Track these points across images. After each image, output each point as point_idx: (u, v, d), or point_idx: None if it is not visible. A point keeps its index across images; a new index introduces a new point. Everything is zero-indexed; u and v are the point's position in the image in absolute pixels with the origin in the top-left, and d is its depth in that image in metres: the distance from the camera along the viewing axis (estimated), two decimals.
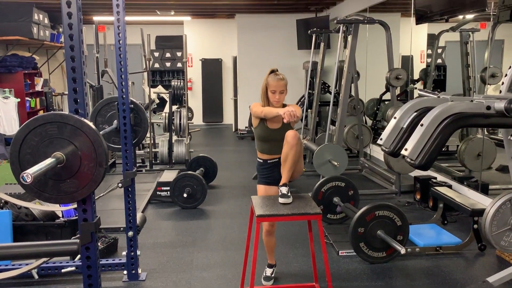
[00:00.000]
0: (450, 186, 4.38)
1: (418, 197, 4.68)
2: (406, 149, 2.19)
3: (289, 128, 2.81)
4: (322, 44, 5.61)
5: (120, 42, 2.82)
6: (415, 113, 2.18)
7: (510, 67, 2.54)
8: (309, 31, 5.56)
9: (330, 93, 8.08)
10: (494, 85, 5.00)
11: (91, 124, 1.54)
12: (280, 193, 2.66)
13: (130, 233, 2.97)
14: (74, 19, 1.55)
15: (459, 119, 2.16)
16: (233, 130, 9.83)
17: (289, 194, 2.65)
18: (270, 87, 2.80)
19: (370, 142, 6.28)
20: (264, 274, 3.05)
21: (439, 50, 9.36)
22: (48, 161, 1.46)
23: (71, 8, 1.54)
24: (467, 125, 2.85)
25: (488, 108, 2.24)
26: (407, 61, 9.43)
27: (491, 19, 5.38)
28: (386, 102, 7.60)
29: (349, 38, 4.68)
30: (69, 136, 1.51)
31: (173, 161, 6.20)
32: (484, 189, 4.35)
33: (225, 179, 5.69)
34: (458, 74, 7.78)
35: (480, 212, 3.41)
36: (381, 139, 2.22)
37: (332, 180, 4.01)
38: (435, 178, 4.64)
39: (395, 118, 2.17)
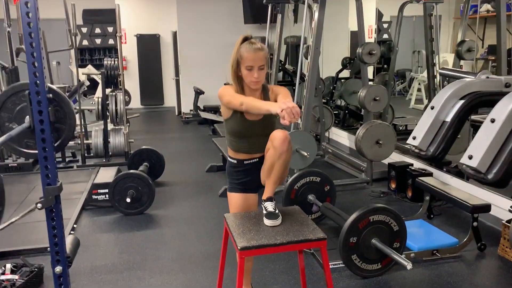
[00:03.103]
0: (431, 174, 3.94)
1: (393, 186, 4.22)
2: (470, 157, 1.57)
3: (273, 119, 2.14)
4: (279, 17, 4.93)
5: (28, 5, 1.98)
6: (462, 101, 1.56)
7: None
8: (264, 1, 4.85)
9: (285, 71, 7.50)
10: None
11: None
12: (265, 211, 2.00)
13: (58, 269, 2.18)
14: None
15: None
16: (176, 113, 8.97)
17: (276, 211, 1.99)
18: (244, 61, 2.04)
19: (331, 125, 5.75)
20: None
21: (385, 25, 9.00)
22: None
23: None
24: None
25: None
26: (356, 36, 9.03)
27: None
28: (343, 80, 7.15)
29: (315, 8, 4.04)
30: None
31: (110, 153, 5.33)
32: (463, 175, 3.96)
33: (174, 174, 4.92)
34: (404, 50, 7.41)
35: (482, 208, 2.96)
36: (413, 138, 1.59)
37: (306, 176, 3.41)
38: (412, 164, 4.19)
39: (432, 108, 1.55)
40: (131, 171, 3.88)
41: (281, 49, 5.91)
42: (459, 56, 4.35)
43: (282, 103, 1.82)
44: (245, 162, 2.21)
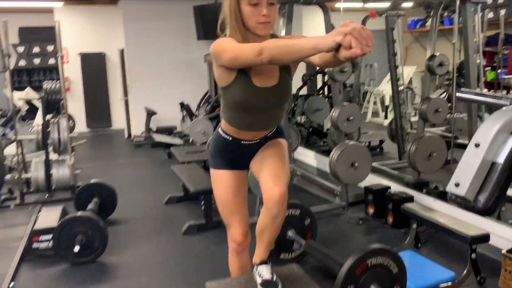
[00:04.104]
0: (412, 198, 3.68)
1: (371, 211, 3.92)
2: (457, 185, 1.28)
3: (289, 83, 1.70)
4: None
5: None
6: None
7: None
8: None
9: None
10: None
11: None
12: (259, 279, 1.59)
13: None
14: None
15: None
16: (126, 136, 8.36)
17: (275, 278, 1.59)
18: None
19: (298, 144, 5.43)
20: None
21: None
22: None
23: None
24: None
25: None
26: None
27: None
28: (303, 98, 6.88)
29: (281, 22, 3.72)
30: None
31: (54, 188, 4.71)
32: (446, 197, 3.74)
33: (128, 208, 4.38)
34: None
35: (481, 238, 2.70)
36: (456, 186, 1.25)
37: (288, 208, 3.02)
38: (389, 187, 3.92)
39: (477, 146, 1.22)
40: (79, 213, 3.33)
41: None
42: (430, 71, 4.16)
43: (340, 27, 1.20)
44: (243, 142, 1.78)
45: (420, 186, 3.98)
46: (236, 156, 1.85)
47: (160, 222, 4.03)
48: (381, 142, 6.38)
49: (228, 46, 1.55)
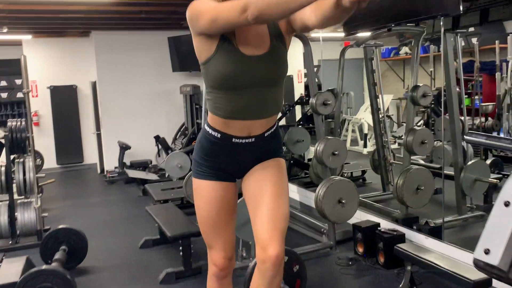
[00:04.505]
0: (403, 236, 3.50)
1: (360, 250, 3.72)
2: (487, 252, 1.08)
3: (284, 52, 1.47)
4: None
5: None
6: None
7: None
8: None
9: None
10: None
11: None
12: None
13: None
14: None
15: None
16: (99, 171, 8.01)
17: None
18: None
19: None
20: None
21: (315, 69, 8.90)
22: None
23: None
24: None
25: None
26: (288, 80, 8.81)
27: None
28: (283, 128, 6.74)
29: None
30: None
31: (18, 233, 4.34)
32: (437, 233, 3.58)
33: (100, 254, 4.05)
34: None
35: (485, 283, 2.51)
36: (486, 253, 1.05)
37: None
38: (378, 224, 3.74)
39: (507, 205, 1.03)
40: (44, 267, 3.00)
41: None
42: (414, 102, 4.06)
43: None
44: (234, 140, 1.49)
45: (409, 222, 3.81)
46: (225, 162, 1.55)
47: (134, 270, 3.72)
48: (363, 172, 6.25)
49: (205, 7, 1.32)
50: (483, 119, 6.15)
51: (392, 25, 3.36)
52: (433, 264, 2.74)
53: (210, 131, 1.53)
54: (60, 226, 3.79)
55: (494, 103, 6.69)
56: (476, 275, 2.54)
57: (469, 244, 3.40)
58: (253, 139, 1.50)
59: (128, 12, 6.11)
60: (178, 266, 3.50)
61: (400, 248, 3.05)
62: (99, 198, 6.34)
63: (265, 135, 1.56)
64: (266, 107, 1.44)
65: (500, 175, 4.84)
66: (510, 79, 5.98)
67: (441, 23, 3.47)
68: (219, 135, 1.51)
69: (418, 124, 7.79)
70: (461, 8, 2.62)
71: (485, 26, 5.15)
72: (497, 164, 5.27)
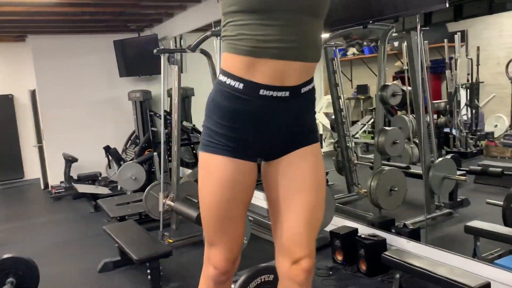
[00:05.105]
0: (384, 241, 3.37)
1: (339, 258, 3.56)
2: None
3: None
4: (176, 68, 4.07)
5: None
6: None
7: None
8: (155, 51, 3.97)
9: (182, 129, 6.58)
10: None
11: None
12: None
13: None
14: None
15: None
16: (43, 187, 7.37)
17: None
18: None
19: None
20: None
21: None
22: None
23: None
24: None
25: None
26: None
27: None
28: None
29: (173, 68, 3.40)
30: None
31: None
32: (417, 235, 3.49)
33: (53, 283, 3.59)
34: None
35: None
36: None
37: (256, 275, 2.54)
38: (357, 230, 3.60)
39: None
40: None
41: (165, 102, 5.01)
42: (383, 102, 3.96)
43: None
44: (261, 92, 1.11)
45: (386, 225, 3.69)
46: (247, 130, 1.16)
47: None
48: (326, 173, 6.14)
49: None
50: (435, 115, 6.27)
51: (370, 21, 3.22)
52: (428, 273, 2.60)
53: (228, 80, 1.13)
54: (5, 256, 3.31)
55: (446, 100, 6.85)
56: (474, 281, 2.43)
57: (445, 244, 3.34)
58: (287, 93, 1.12)
59: (70, 14, 5.62)
60: None
61: (388, 256, 2.89)
62: (46, 217, 5.77)
63: (302, 90, 1.20)
64: (305, 45, 1.08)
65: (463, 171, 4.87)
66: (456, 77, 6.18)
67: (417, 19, 3.38)
68: (241, 86, 1.11)
69: (368, 123, 7.88)
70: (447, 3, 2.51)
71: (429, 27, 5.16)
72: (455, 160, 5.34)
